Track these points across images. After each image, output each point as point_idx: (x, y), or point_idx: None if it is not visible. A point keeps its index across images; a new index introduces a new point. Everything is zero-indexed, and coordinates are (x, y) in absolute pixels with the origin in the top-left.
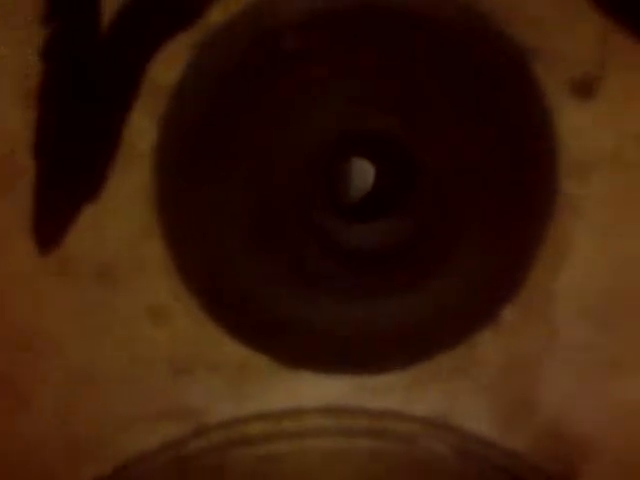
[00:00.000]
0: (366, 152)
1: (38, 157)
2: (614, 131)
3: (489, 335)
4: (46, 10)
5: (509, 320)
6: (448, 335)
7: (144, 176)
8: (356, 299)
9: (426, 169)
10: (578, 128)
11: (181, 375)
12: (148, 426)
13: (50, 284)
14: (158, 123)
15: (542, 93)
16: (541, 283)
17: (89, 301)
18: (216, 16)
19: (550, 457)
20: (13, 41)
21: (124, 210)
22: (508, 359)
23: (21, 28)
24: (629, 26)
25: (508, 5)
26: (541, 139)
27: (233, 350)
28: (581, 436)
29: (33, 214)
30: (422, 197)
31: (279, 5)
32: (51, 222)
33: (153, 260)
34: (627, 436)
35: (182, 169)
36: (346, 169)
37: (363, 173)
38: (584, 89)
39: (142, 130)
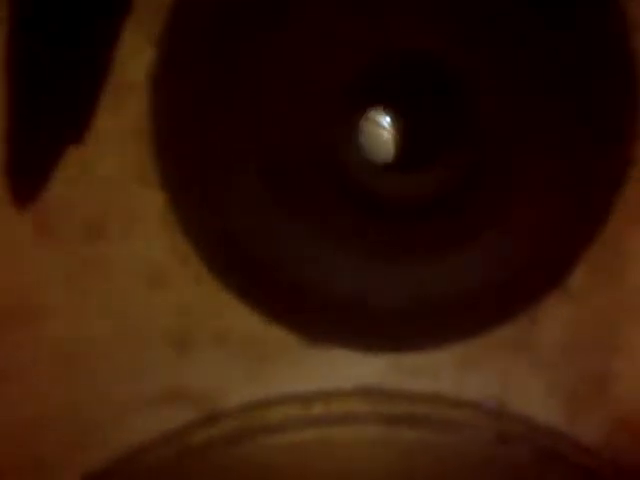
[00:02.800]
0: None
1: (9, 89)
2: None
3: (553, 303)
4: None
5: (577, 285)
6: (504, 305)
7: (138, 110)
8: (394, 260)
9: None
10: None
11: (185, 350)
12: (146, 412)
13: (30, 244)
14: (154, 44)
15: None
16: (615, 241)
17: (76, 263)
18: None
19: (625, 449)
20: None
21: (115, 153)
22: (576, 331)
23: None
24: None
25: None
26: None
27: (247, 321)
28: None
29: (6, 160)
30: (469, 144)
31: None
32: (29, 169)
33: (150, 212)
34: None
35: (183, 100)
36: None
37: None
38: None
39: (135, 54)
